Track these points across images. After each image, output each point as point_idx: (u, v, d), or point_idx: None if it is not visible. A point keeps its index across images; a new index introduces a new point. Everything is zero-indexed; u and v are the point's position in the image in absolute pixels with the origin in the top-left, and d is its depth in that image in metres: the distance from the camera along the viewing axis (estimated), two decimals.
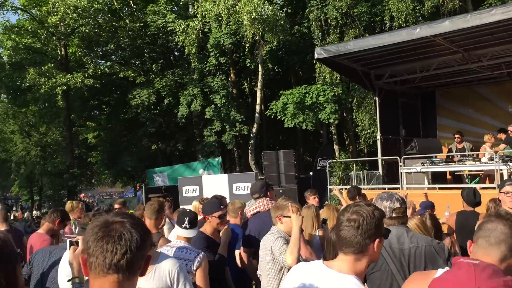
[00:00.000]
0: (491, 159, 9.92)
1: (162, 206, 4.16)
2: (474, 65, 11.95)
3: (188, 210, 4.07)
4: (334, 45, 13.01)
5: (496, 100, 13.60)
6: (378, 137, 13.31)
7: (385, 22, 20.26)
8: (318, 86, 20.06)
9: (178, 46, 24.82)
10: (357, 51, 11.56)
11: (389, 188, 11.24)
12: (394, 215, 3.07)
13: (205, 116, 23.30)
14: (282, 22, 19.58)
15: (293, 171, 12.80)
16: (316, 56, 12.10)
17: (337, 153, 21.97)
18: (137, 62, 27.83)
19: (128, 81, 27.56)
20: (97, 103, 30.19)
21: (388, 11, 18.09)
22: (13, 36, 27.28)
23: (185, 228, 3.77)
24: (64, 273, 2.98)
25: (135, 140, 28.35)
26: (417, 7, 18.08)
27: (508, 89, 13.38)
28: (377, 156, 13.41)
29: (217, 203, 4.50)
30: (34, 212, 32.61)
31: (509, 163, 9.36)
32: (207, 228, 4.38)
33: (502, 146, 10.42)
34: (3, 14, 32.65)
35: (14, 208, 34.49)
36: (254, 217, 5.08)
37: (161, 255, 2.89)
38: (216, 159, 19.69)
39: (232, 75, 25.57)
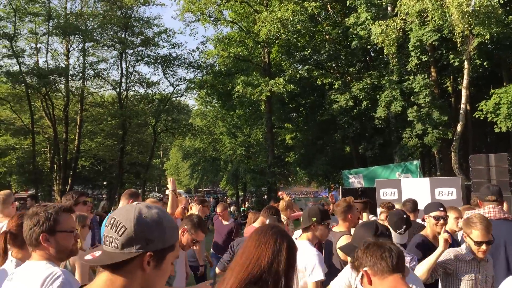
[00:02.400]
0: None
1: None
2: None
3: (395, 214, 4.01)
4: None
5: None
6: None
7: None
8: None
9: (375, 47, 24.46)
10: None
11: None
12: None
13: (408, 118, 22.49)
14: (499, 12, 17.66)
15: (507, 177, 11.53)
16: None
17: None
18: (333, 65, 28.31)
19: (325, 84, 28.23)
20: (294, 105, 31.69)
21: None
22: (223, 46, 30.45)
23: (400, 233, 3.74)
24: None
25: (331, 141, 28.89)
26: None
27: None
28: None
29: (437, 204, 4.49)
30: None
31: None
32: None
33: None
34: (217, 28, 36.92)
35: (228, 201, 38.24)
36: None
37: None
38: (415, 162, 18.78)
39: (433, 73, 24.13)
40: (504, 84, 21.68)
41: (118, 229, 1.52)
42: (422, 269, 3.36)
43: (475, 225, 3.27)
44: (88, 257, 1.53)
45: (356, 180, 19.05)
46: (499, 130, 18.82)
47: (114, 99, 35.65)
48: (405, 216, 3.91)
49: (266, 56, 29.53)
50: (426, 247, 4.02)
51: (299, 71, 30.12)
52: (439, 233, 4.35)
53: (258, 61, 30.74)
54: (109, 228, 1.54)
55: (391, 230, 3.80)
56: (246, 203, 37.10)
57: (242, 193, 39.43)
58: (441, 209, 4.38)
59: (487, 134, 27.45)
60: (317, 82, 27.43)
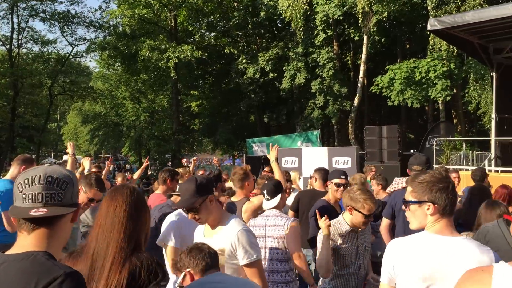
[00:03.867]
0: None
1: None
2: None
3: (265, 182, 4.13)
4: (450, 16, 12.18)
5: None
6: (493, 116, 12.37)
7: None
8: (429, 60, 18.95)
9: (282, 18, 24.79)
10: (476, 23, 10.70)
11: (502, 171, 10.48)
12: None
13: (311, 91, 23.24)
14: None
15: (396, 147, 12.46)
16: (429, 27, 11.41)
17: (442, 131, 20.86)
18: (241, 34, 28.27)
19: (233, 52, 28.20)
20: (201, 72, 31.33)
21: None
22: (128, 6, 28.97)
23: (267, 199, 3.84)
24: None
25: (236, 110, 29.08)
26: None
27: None
28: (490, 136, 12.51)
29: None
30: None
31: None
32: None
33: None
34: None
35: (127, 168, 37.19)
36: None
37: (231, 217, 2.93)
38: (315, 132, 19.62)
39: (335, 47, 25.09)
40: (398, 60, 23.15)
41: (60, 184, 1.59)
42: (321, 264, 3.45)
43: (365, 200, 3.42)
44: (36, 213, 1.53)
45: (259, 149, 19.46)
46: (392, 103, 20.15)
47: (4, 56, 32.69)
48: (274, 184, 3.98)
49: (173, 20, 28.67)
50: (326, 211, 4.24)
51: (207, 38, 29.69)
52: (339, 199, 4.60)
53: (165, 25, 29.76)
54: (48, 185, 1.57)
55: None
56: (149, 170, 36.42)
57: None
58: (343, 177, 4.63)
59: (381, 107, 29.26)
60: (225, 50, 27.28)
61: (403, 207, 2.31)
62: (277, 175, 4.44)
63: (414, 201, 2.14)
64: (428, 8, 19.85)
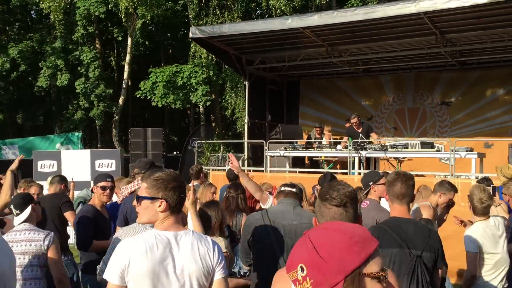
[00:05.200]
0: (345, 147, 10.87)
1: None
2: (336, 60, 12.88)
3: (12, 197, 3.84)
4: (210, 26, 13.07)
5: (352, 93, 14.85)
6: (246, 120, 13.71)
7: (263, 9, 20.80)
8: (190, 66, 19.90)
9: (37, 8, 22.68)
10: (231, 35, 11.72)
11: (253, 170, 11.68)
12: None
13: (77, 91, 21.82)
14: None
15: (161, 149, 12.74)
16: (190, 35, 12.00)
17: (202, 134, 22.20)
18: None
19: None
20: None
21: None
22: None
23: (17, 215, 3.53)
24: None
25: None
26: None
27: (363, 84, 14.70)
28: (243, 139, 13.83)
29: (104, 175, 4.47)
30: None
31: (361, 152, 10.36)
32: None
33: (345, 138, 11.48)
34: None
35: None
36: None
37: None
38: (76, 133, 18.55)
39: (98, 46, 24.17)
40: (162, 64, 23.67)
41: None
42: None
43: None
44: None
45: (10, 151, 17.42)
46: (155, 104, 20.46)
47: None
48: (22, 197, 3.69)
49: None
50: (92, 215, 4.16)
51: None
52: (106, 202, 4.43)
53: None
54: None
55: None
56: None
57: None
58: (109, 179, 4.44)
59: (145, 109, 29.43)
60: None
61: (135, 202, 2.35)
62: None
63: (148, 197, 2.18)
64: (190, 16, 20.87)
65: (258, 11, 22.93)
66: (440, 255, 2.81)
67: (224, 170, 10.41)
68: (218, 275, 2.16)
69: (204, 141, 13.34)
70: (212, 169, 11.71)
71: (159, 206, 2.15)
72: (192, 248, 2.12)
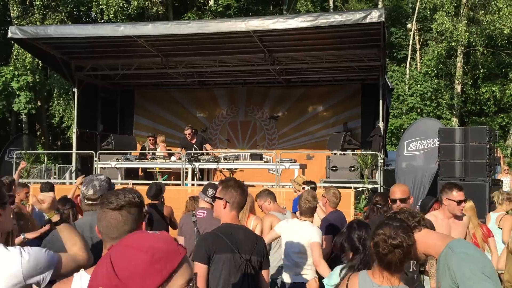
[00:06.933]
0: (179, 158, 10.87)
1: None
2: (171, 71, 12.87)
3: None
4: (33, 27, 12.08)
5: (187, 105, 14.96)
6: (75, 130, 12.87)
7: (92, 13, 19.82)
8: (12, 69, 17.98)
9: None
10: (58, 38, 10.98)
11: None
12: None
13: None
14: None
15: None
16: (10, 35, 10.88)
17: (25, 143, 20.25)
18: None
19: None
20: None
21: (97, 3, 17.77)
22: None
23: None
24: None
25: None
26: (125, 5, 18.35)
27: (198, 97, 14.92)
28: (72, 150, 12.95)
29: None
30: None
31: (194, 163, 10.46)
32: None
33: (181, 150, 11.36)
34: None
35: None
36: None
37: None
38: None
39: None
40: None
41: None
42: None
43: None
44: None
45: None
46: None
47: None
48: None
49: None
50: None
51: None
52: None
53: None
54: None
55: None
56: None
57: None
58: None
59: None
60: None
61: None
62: None
63: None
64: (12, 15, 18.95)
65: (93, 15, 21.84)
66: (265, 258, 3.05)
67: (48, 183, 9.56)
68: None
69: (24, 151, 12.09)
70: (34, 182, 10.69)
71: None
72: None
